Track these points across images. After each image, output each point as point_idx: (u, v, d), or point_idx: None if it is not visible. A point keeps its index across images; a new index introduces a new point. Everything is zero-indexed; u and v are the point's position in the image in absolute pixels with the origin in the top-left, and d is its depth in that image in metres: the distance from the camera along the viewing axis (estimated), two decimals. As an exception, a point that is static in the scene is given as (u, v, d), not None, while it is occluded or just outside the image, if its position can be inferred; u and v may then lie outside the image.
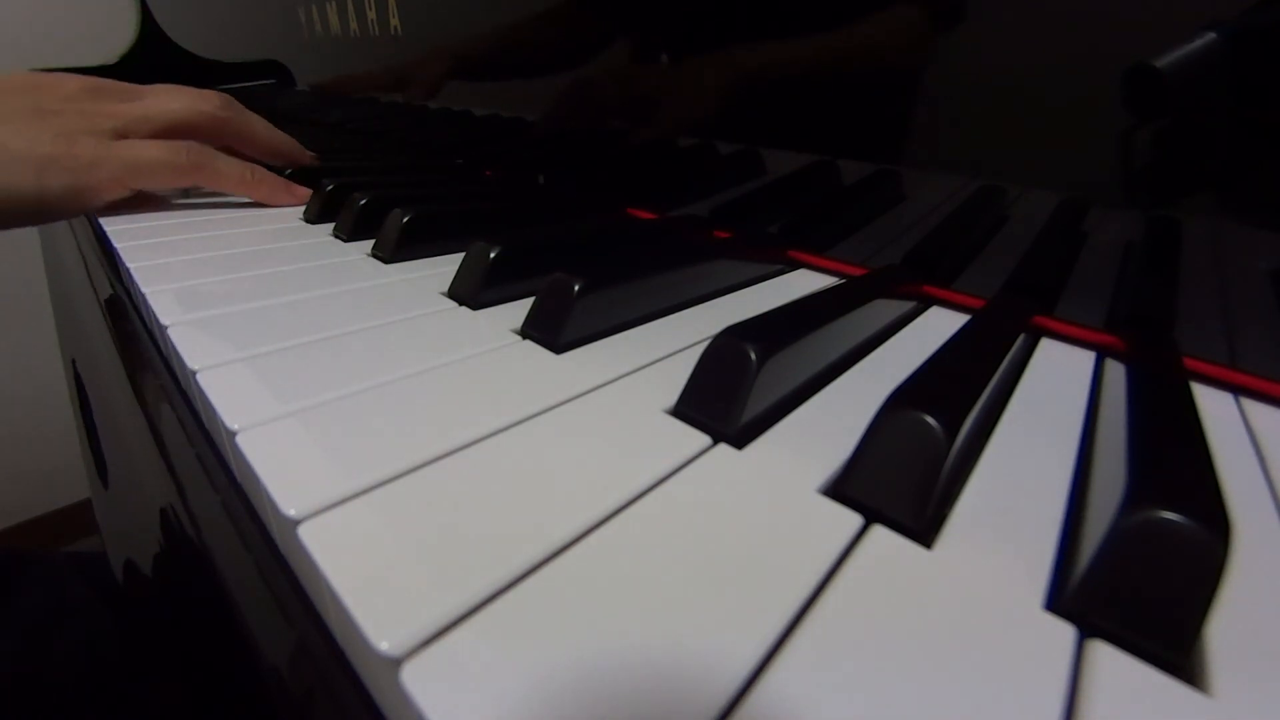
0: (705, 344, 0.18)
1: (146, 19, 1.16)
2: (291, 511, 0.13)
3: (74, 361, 0.49)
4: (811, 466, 0.16)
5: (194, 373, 0.19)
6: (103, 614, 0.42)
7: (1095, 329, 0.25)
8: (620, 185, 0.44)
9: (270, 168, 0.43)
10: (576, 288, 0.22)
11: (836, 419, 0.18)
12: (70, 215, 0.36)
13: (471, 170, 0.55)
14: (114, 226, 0.35)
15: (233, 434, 0.16)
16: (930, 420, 0.14)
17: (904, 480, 0.14)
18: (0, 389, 1.22)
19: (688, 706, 0.09)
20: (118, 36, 1.17)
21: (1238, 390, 0.22)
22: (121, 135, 0.36)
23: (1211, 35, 0.20)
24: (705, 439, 0.17)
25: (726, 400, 0.17)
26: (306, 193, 0.39)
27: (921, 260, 0.30)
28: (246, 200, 0.45)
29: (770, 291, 0.30)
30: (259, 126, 0.44)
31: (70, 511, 1.33)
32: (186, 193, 0.43)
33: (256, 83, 1.01)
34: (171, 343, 0.21)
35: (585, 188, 0.46)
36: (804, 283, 0.32)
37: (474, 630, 0.10)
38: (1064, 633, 0.11)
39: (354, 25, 0.66)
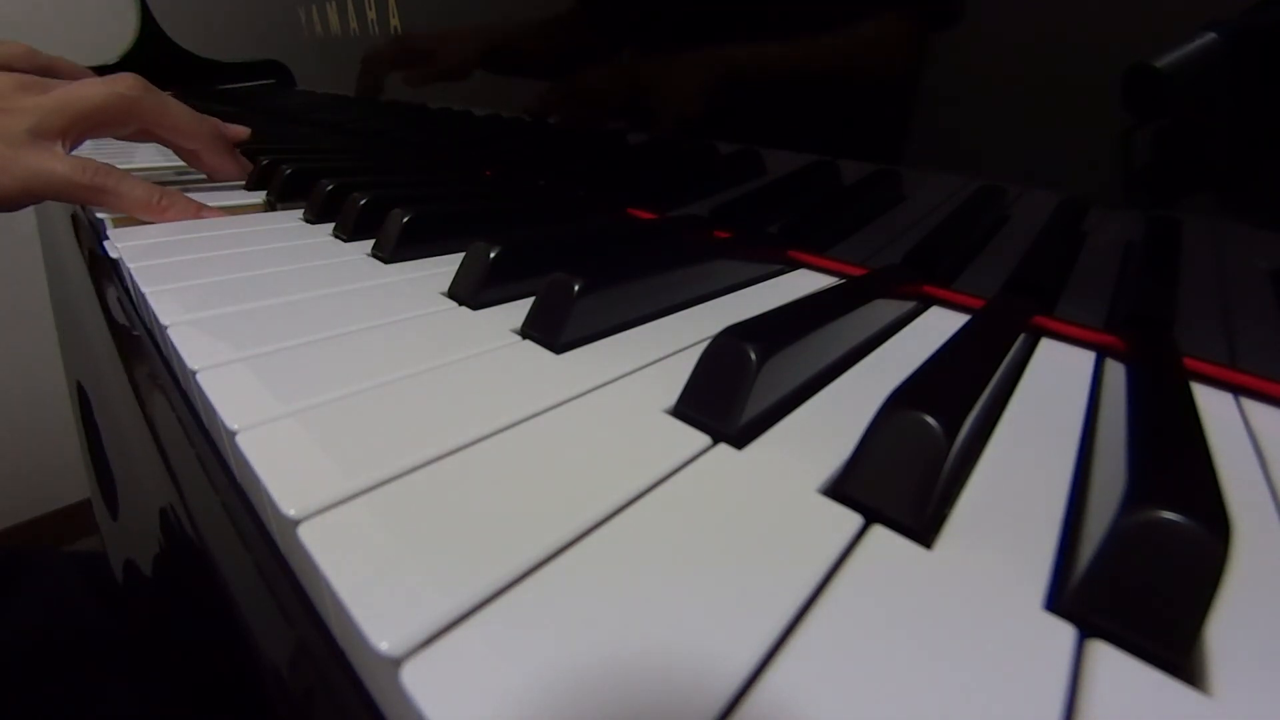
0: (705, 344, 0.18)
1: (146, 19, 1.17)
2: (291, 511, 0.13)
3: (72, 358, 0.49)
4: (811, 466, 0.16)
5: (194, 373, 0.19)
6: (103, 614, 0.42)
7: (1095, 329, 0.25)
8: (620, 185, 0.44)
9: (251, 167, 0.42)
10: (576, 288, 0.22)
11: (836, 419, 0.18)
12: None
13: (471, 170, 0.55)
14: (114, 227, 0.35)
15: (233, 434, 0.16)
16: (930, 420, 0.14)
17: (904, 480, 0.14)
18: (0, 389, 1.22)
19: (688, 706, 0.09)
20: (118, 36, 1.17)
21: (1238, 390, 0.22)
22: (38, 129, 0.36)
23: (1211, 35, 0.20)
24: (705, 439, 0.17)
25: (726, 400, 0.17)
26: (217, 212, 0.39)
27: (921, 260, 0.30)
28: (246, 201, 0.45)
29: (770, 291, 0.30)
30: (174, 107, 0.44)
31: (70, 511, 1.33)
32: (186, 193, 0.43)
33: (256, 83, 1.01)
34: (171, 343, 0.21)
35: (585, 187, 0.46)
36: (804, 283, 0.32)
37: (474, 630, 0.10)
38: (1064, 633, 0.11)
39: (354, 25, 0.66)
